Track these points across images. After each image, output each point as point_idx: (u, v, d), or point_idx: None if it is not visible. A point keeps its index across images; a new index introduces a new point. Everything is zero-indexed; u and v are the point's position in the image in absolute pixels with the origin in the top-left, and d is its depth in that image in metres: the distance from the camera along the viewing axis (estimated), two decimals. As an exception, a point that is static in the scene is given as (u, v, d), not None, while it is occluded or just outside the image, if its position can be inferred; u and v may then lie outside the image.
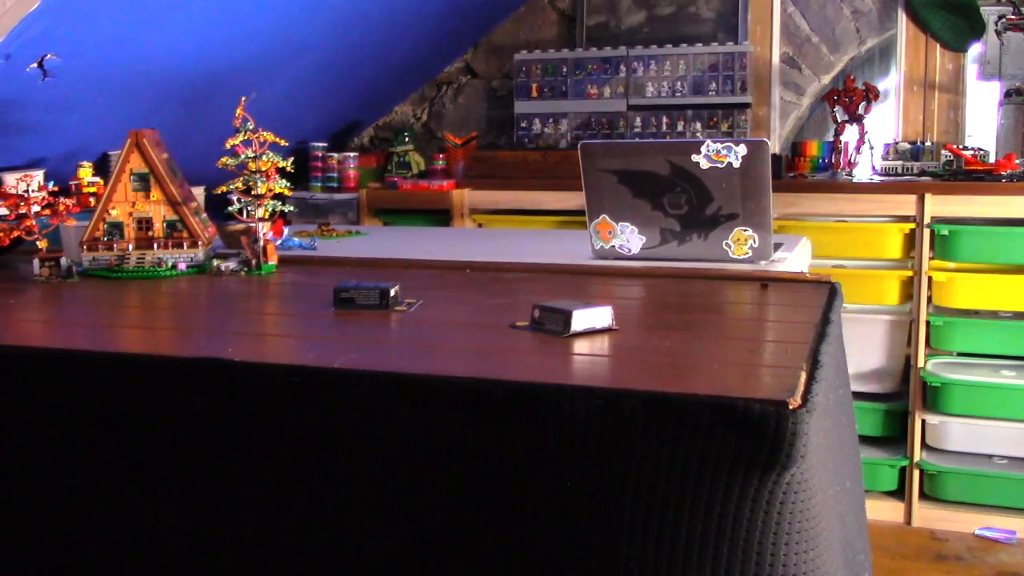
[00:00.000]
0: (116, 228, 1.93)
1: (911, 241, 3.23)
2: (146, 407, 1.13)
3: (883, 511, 3.31)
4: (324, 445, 1.08)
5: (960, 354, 3.28)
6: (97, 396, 1.15)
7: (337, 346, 1.26)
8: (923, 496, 3.31)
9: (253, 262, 1.91)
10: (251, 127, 1.93)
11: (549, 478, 1.01)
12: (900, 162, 3.53)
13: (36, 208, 1.92)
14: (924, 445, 3.31)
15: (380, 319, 1.40)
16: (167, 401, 1.12)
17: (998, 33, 3.55)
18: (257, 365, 1.11)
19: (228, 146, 1.93)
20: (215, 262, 1.94)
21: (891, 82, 3.79)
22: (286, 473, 1.09)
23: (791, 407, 0.94)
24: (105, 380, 1.14)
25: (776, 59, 3.91)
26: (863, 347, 3.31)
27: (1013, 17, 3.50)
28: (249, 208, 1.94)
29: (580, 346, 1.22)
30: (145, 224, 1.94)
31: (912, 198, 3.20)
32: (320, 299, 1.53)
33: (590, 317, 1.26)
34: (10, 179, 2.45)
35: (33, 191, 1.95)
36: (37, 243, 1.89)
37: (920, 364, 3.25)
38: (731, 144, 1.88)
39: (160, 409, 1.12)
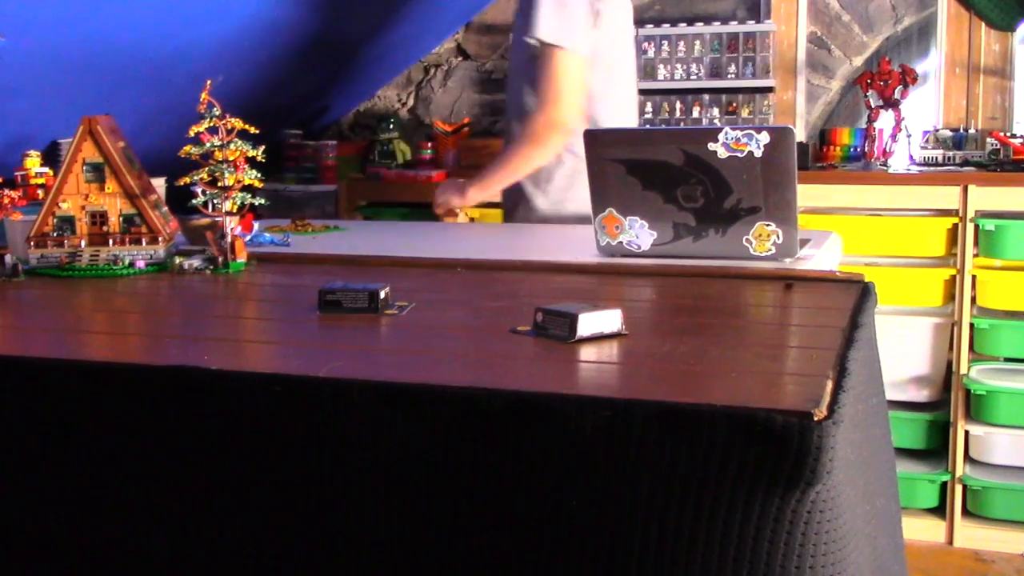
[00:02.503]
0: (67, 223, 1.95)
1: (953, 237, 3.27)
2: (115, 420, 1.16)
3: (923, 530, 3.36)
4: (309, 460, 1.10)
5: (1007, 359, 3.32)
6: (60, 408, 1.18)
7: (323, 353, 1.30)
8: (966, 514, 3.35)
9: (219, 260, 1.93)
10: (217, 113, 1.94)
11: (553, 496, 1.03)
12: (941, 151, 3.57)
13: (-23, 202, 1.94)
14: (967, 458, 3.35)
15: (369, 324, 1.43)
16: (138, 413, 1.15)
17: (1049, 9, 3.60)
18: (236, 374, 1.14)
19: (192, 133, 1.94)
20: (177, 260, 1.96)
21: (931, 64, 3.83)
22: (268, 490, 1.12)
23: (816, 418, 0.97)
24: (69, 390, 1.17)
25: (803, 39, 3.95)
26: (900, 352, 3.35)
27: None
28: (215, 201, 1.96)
29: (587, 353, 1.25)
30: (99, 218, 1.96)
31: (954, 190, 3.25)
32: (302, 301, 1.57)
33: (598, 321, 1.29)
34: (-50, 171, 2.48)
35: (-26, 183, 1.96)
36: (-22, 240, 1.91)
37: (963, 370, 3.29)
38: (752, 131, 1.89)
39: (130, 422, 1.15)
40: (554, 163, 2.91)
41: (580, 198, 2.77)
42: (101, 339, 1.43)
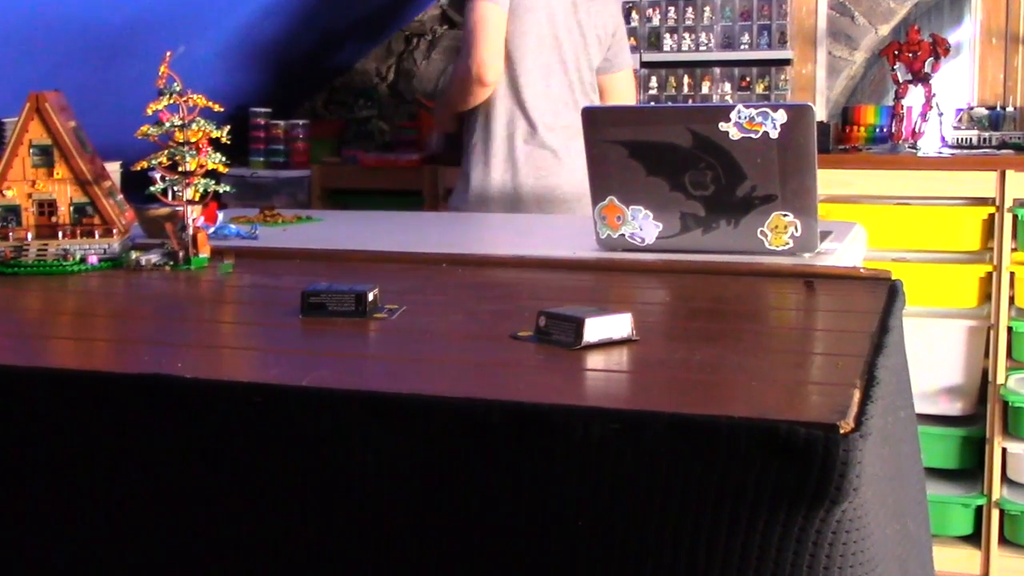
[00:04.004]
0: (12, 212, 1.94)
1: (989, 229, 3.28)
2: (81, 432, 1.18)
3: (955, 560, 3.35)
4: (291, 476, 1.12)
5: (1050, 369, 3.32)
6: (21, 419, 1.19)
7: (306, 360, 1.32)
8: (1003, 542, 3.34)
9: (180, 255, 1.93)
10: (178, 89, 1.95)
11: (557, 516, 1.05)
12: (976, 132, 3.60)
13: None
14: (1005, 480, 3.34)
15: (356, 329, 1.46)
16: (106, 425, 1.17)
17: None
18: (213, 383, 1.16)
19: (150, 112, 1.94)
20: (133, 255, 1.96)
21: (964, 34, 3.86)
22: (246, 509, 1.14)
23: (842, 431, 0.98)
24: (30, 401, 1.18)
25: (823, 5, 3.98)
26: (930, 359, 3.34)
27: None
28: (175, 188, 1.96)
29: (594, 360, 1.27)
30: (48, 208, 1.96)
31: (991, 176, 3.25)
32: (282, 303, 1.59)
33: (606, 326, 1.31)
34: None
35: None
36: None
37: (1000, 380, 3.29)
38: (768, 110, 1.90)
39: (98, 434, 1.17)
40: (469, 136, 3.16)
41: (496, 177, 2.92)
42: (64, 344, 1.45)
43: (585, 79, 3.23)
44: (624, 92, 3.39)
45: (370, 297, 1.50)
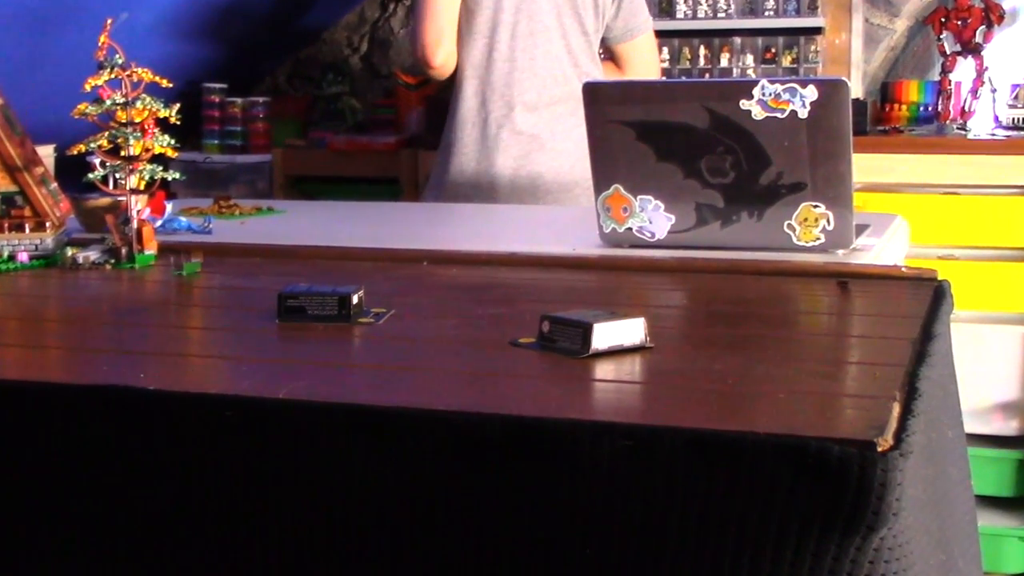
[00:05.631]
0: (-69, 204, 1.94)
1: (1049, 222, 3.32)
2: (31, 449, 1.20)
3: (1008, 599, 3.38)
4: (267, 499, 1.15)
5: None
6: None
7: (283, 370, 1.36)
8: (1064, 581, 3.36)
9: (123, 251, 1.95)
10: (120, 61, 1.95)
11: (563, 543, 1.07)
12: (1034, 111, 3.62)
13: None
14: (1066, 509, 3.38)
15: (339, 335, 1.49)
16: (60, 441, 1.19)
17: None
18: (179, 395, 1.18)
19: (88, 88, 1.95)
20: (69, 251, 1.97)
21: (1021, -1, 3.89)
22: (215, 534, 1.17)
23: (880, 449, 1.00)
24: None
25: (860, -34, 4.01)
26: (981, 371, 3.34)
27: None
28: (117, 175, 1.98)
29: (603, 370, 1.30)
30: (-30, 198, 1.95)
31: (1052, 161, 3.28)
32: (252, 306, 1.62)
33: (617, 331, 1.34)
34: None
35: None
36: None
37: (1060, 395, 3.33)
38: (796, 85, 1.90)
39: (51, 452, 1.20)
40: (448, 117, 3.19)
41: (468, 165, 3.01)
42: (16, 353, 1.48)
43: (576, 47, 3.23)
44: (646, 60, 3.37)
45: (355, 300, 1.52)
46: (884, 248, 2.11)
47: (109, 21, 2.01)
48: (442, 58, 3.09)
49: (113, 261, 1.95)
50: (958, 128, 3.56)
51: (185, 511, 1.18)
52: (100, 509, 1.21)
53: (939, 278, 1.76)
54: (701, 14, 4.00)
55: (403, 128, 3.93)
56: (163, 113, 1.99)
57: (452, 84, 3.19)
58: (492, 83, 3.16)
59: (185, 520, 1.18)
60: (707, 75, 3.98)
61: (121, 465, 1.19)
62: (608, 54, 3.41)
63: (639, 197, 2.03)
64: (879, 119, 3.75)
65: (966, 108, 3.61)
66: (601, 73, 3.30)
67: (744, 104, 1.93)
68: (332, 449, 1.13)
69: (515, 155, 3.15)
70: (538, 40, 3.17)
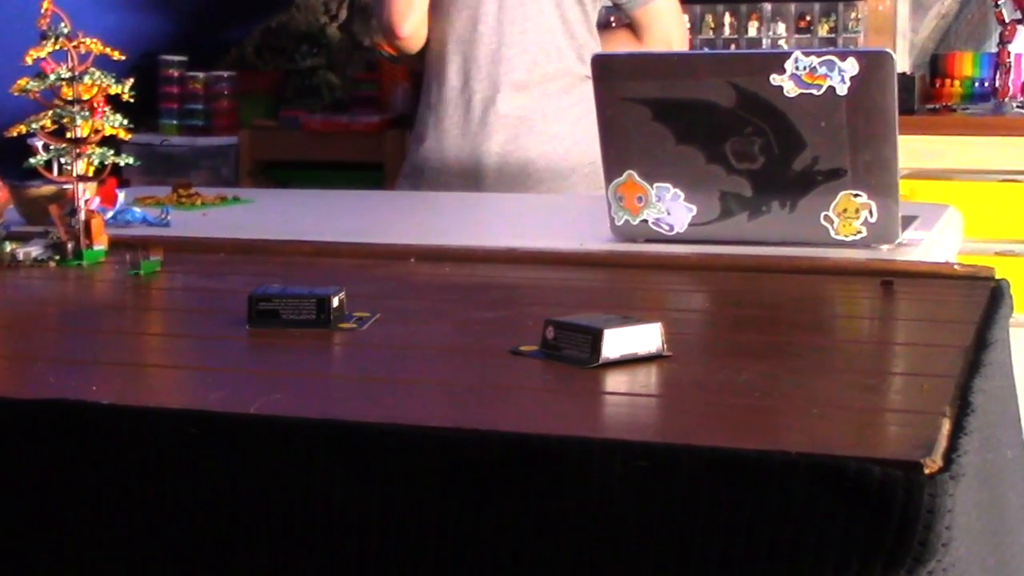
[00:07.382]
0: None
1: (1122, 214, 3.34)
2: None
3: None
4: (237, 525, 1.16)
5: None
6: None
7: (255, 382, 1.38)
8: None
9: (69, 246, 1.96)
10: (66, 31, 1.96)
11: (570, 573, 1.09)
12: (1105, 87, 3.64)
13: None
14: None
15: (318, 342, 1.51)
16: (5, 459, 1.21)
17: None
18: (136, 410, 1.20)
19: (29, 61, 1.95)
20: (9, 247, 1.99)
21: (1091, -41, 3.90)
22: (180, 565, 1.18)
23: (927, 471, 1.01)
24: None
25: (908, -79, 4.02)
26: None
27: None
28: (63, 160, 1.99)
29: (615, 382, 1.31)
30: None
31: (1124, 145, 3.31)
32: (219, 310, 1.64)
33: (630, 338, 1.36)
34: None
35: None
36: None
37: None
38: (834, 58, 1.91)
39: None
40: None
41: (450, 149, 3.02)
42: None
43: (571, 17, 3.23)
44: (667, 27, 3.34)
45: (335, 302, 1.54)
46: (934, 243, 2.11)
47: (52, -14, 2.02)
48: (411, 27, 3.10)
49: (58, 258, 1.97)
50: (1018, 107, 3.57)
51: (144, 540, 1.20)
52: (48, 537, 1.22)
53: (997, 277, 1.77)
54: (727, -24, 4.02)
55: (387, 106, 3.93)
56: (115, 90, 2.00)
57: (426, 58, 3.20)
58: (477, 59, 3.16)
59: (144, 551, 1.20)
60: (733, 46, 3.99)
61: (71, 489, 1.21)
62: (624, 21, 3.40)
63: (656, 185, 2.04)
64: (928, 96, 3.76)
65: (1028, 84, 3.62)
66: (599, 46, 3.28)
67: (775, 79, 1.94)
68: (309, 471, 1.14)
69: (502, 140, 3.15)
70: (529, 11, 3.18)
